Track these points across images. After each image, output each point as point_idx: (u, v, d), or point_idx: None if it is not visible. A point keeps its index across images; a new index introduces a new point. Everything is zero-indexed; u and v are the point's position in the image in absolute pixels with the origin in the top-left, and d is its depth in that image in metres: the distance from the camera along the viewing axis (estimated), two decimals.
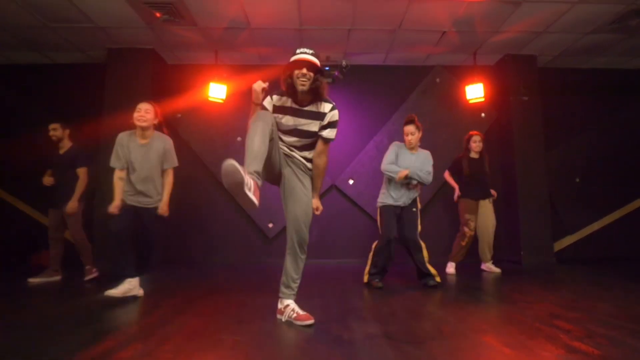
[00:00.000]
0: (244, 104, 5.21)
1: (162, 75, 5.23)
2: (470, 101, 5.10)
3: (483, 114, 5.39)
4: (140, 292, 2.80)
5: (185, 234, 5.23)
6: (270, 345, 1.79)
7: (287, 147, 2.20)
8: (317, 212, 2.20)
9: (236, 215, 5.23)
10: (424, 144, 3.56)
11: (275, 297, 2.24)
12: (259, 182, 1.85)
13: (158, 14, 4.13)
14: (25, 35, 4.57)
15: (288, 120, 2.09)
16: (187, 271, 4.37)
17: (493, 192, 4.30)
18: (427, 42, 4.84)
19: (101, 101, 4.88)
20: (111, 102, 4.80)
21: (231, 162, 1.64)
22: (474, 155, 4.23)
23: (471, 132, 4.28)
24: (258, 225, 5.21)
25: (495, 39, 4.78)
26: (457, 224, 4.33)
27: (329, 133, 2.16)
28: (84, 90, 5.23)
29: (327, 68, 5.40)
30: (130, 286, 2.70)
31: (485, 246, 4.22)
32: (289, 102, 2.11)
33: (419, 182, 3.30)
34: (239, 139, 5.22)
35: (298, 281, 2.21)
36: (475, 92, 5.02)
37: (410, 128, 3.32)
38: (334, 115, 2.15)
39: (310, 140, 2.14)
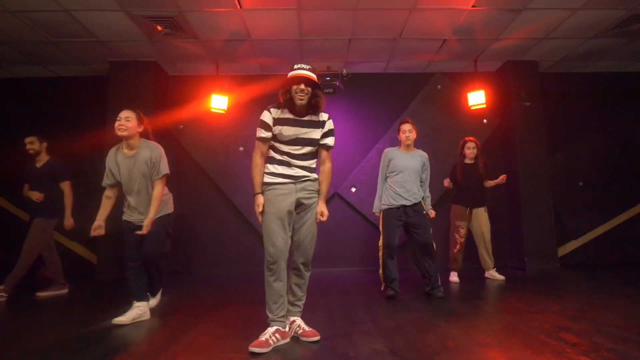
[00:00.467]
0: (246, 114, 5.25)
1: (163, 87, 5.28)
2: (472, 108, 5.11)
3: (485, 120, 5.40)
4: (152, 302, 2.79)
5: (188, 245, 5.24)
6: None
7: (287, 158, 2.17)
8: (323, 218, 2.19)
9: (240, 226, 5.24)
10: (426, 150, 3.58)
11: None
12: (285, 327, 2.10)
13: (159, 28, 4.17)
14: (29, 50, 4.62)
15: (288, 130, 2.13)
16: (191, 283, 4.39)
17: (503, 176, 4.21)
18: (427, 50, 4.86)
19: (104, 113, 4.92)
20: (114, 114, 4.72)
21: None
22: (468, 161, 4.23)
23: (466, 138, 4.28)
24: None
25: (496, 46, 4.80)
26: None
27: (330, 140, 2.24)
28: (87, 102, 5.28)
29: (327, 78, 5.45)
30: (140, 312, 2.60)
31: (484, 253, 4.22)
32: (287, 114, 2.15)
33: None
34: (241, 149, 5.25)
35: (303, 298, 2.24)
36: (476, 98, 5.03)
37: (406, 126, 3.37)
38: (331, 123, 2.25)
39: (310, 148, 2.18)
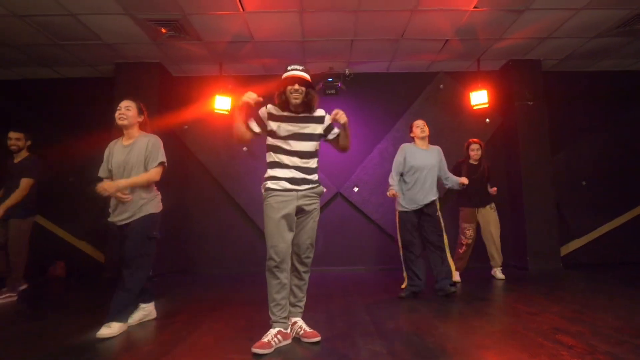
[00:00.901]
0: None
1: (168, 88, 5.33)
2: (475, 107, 5.11)
3: (488, 120, 5.40)
4: (116, 328, 2.34)
5: (192, 245, 5.33)
6: None
7: (287, 157, 2.19)
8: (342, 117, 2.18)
9: (244, 225, 5.31)
10: None
11: None
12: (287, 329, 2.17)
13: (163, 30, 4.22)
14: (36, 52, 4.70)
15: (286, 126, 2.19)
16: (194, 283, 4.47)
17: (493, 189, 4.26)
18: (430, 50, 4.87)
19: (110, 114, 4.95)
20: None
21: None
22: (472, 162, 4.25)
23: (470, 140, 4.30)
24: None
25: (498, 46, 4.79)
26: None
27: (334, 132, 2.32)
28: (93, 103, 5.36)
29: (330, 79, 5.47)
30: (145, 312, 2.63)
31: (494, 251, 4.25)
32: (283, 111, 2.22)
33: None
34: (244, 149, 5.30)
35: (304, 299, 2.29)
36: (479, 98, 5.03)
37: (420, 121, 3.43)
38: (329, 117, 2.29)
39: (309, 144, 2.21)
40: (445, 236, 3.39)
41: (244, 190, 5.25)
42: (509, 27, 4.33)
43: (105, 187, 2.38)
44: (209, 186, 5.39)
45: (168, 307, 3.10)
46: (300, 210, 2.19)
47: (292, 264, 2.22)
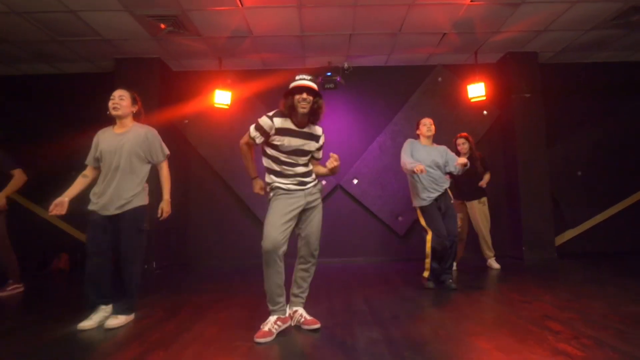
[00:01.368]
0: (249, 108, 5.34)
1: (168, 83, 5.37)
2: (472, 100, 5.16)
3: (485, 112, 5.45)
4: (123, 319, 2.42)
5: (194, 238, 5.43)
6: (279, 351, 1.95)
7: (287, 168, 2.29)
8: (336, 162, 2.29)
9: (245, 218, 5.40)
10: None
11: None
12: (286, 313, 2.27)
13: (162, 26, 4.25)
14: (35, 48, 4.73)
15: (290, 142, 2.24)
16: (197, 275, 4.57)
17: (483, 182, 4.32)
18: (428, 43, 4.90)
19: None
20: None
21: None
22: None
23: (457, 135, 4.36)
24: None
25: (496, 39, 4.83)
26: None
27: (321, 154, 2.46)
28: (93, 99, 5.39)
29: (329, 74, 5.51)
30: (106, 313, 2.45)
31: (483, 244, 4.36)
32: (288, 123, 2.25)
33: (447, 173, 3.43)
34: None
35: (307, 291, 2.40)
36: (476, 91, 5.08)
37: (427, 120, 3.46)
38: (324, 138, 2.41)
39: (305, 158, 2.34)
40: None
41: (245, 184, 5.31)
42: (505, 21, 4.36)
43: (167, 210, 2.56)
44: (211, 180, 5.47)
45: (173, 298, 3.20)
46: (307, 206, 2.30)
47: (302, 257, 2.33)
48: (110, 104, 2.51)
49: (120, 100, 2.52)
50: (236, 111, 5.29)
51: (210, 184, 5.49)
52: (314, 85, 2.23)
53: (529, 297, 2.89)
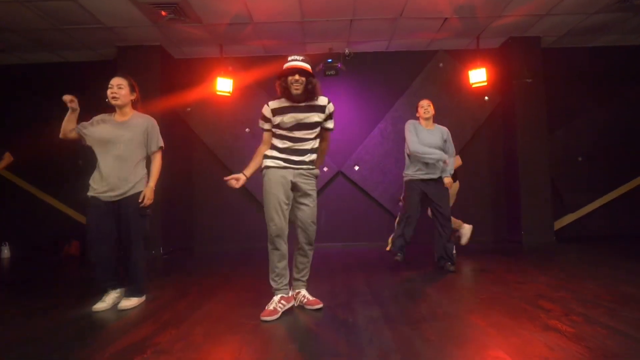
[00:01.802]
0: (251, 95, 5.37)
1: (170, 70, 5.39)
2: (474, 85, 5.16)
3: (486, 97, 5.46)
4: (135, 301, 2.51)
5: (198, 224, 5.54)
6: (283, 329, 2.06)
7: (289, 144, 2.34)
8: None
9: (248, 204, 5.50)
10: None
11: None
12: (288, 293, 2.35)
13: (164, 13, 4.25)
14: (37, 36, 4.75)
15: (289, 118, 2.30)
16: (202, 260, 4.70)
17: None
18: (429, 28, 4.88)
19: None
20: None
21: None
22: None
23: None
24: None
25: (498, 23, 4.80)
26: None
27: (331, 124, 2.44)
28: (95, 86, 5.40)
29: (330, 60, 5.50)
30: (117, 295, 2.54)
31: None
32: (283, 102, 2.33)
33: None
34: (247, 130, 5.42)
35: (307, 274, 2.49)
36: (478, 76, 5.08)
37: (425, 102, 3.51)
38: (332, 107, 2.41)
39: (311, 131, 2.35)
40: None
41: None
42: (507, 5, 4.33)
43: (149, 197, 2.48)
44: (214, 167, 5.54)
45: (182, 280, 3.32)
46: (296, 188, 2.33)
47: (300, 244, 2.41)
48: (109, 93, 2.51)
49: (119, 89, 2.51)
50: (238, 98, 5.33)
51: (214, 171, 5.56)
52: (305, 66, 2.26)
53: (525, 279, 2.99)
